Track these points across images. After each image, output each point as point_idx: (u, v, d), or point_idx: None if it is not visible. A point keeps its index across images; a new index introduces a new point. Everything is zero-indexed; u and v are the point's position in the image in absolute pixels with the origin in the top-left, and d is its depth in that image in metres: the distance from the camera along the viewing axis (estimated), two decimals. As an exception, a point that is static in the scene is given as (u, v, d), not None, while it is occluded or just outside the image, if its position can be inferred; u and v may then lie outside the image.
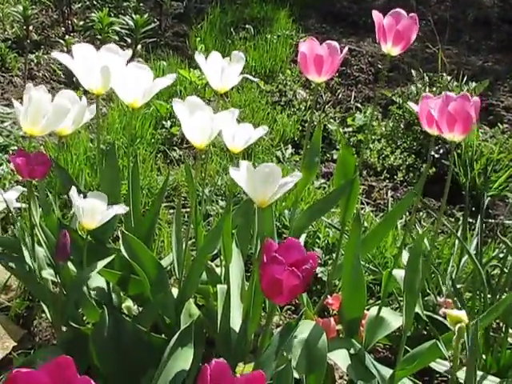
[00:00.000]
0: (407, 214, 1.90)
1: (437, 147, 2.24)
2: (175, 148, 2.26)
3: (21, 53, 2.79)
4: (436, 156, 2.23)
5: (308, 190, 1.96)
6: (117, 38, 2.89)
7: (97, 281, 1.29)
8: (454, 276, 1.50)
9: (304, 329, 1.12)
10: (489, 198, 2.06)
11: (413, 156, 2.29)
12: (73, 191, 1.09)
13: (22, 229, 1.26)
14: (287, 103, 2.65)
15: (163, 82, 1.17)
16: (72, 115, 1.20)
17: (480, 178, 2.13)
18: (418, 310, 1.20)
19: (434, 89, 2.54)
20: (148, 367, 1.10)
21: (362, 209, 1.99)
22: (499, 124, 2.48)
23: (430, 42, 3.11)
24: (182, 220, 1.31)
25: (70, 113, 1.18)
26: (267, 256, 0.84)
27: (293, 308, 1.55)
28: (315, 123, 2.34)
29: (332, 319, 1.29)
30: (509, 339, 1.31)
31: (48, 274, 1.23)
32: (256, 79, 1.28)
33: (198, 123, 1.07)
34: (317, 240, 1.75)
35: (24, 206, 1.37)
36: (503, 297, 1.35)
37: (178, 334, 1.05)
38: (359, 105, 2.72)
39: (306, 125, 2.42)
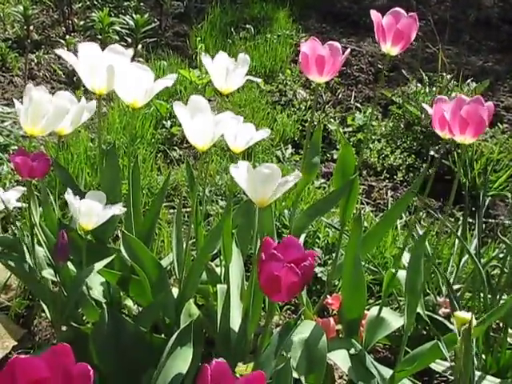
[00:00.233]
0: (407, 213, 1.90)
1: (437, 147, 2.24)
2: (175, 148, 2.26)
3: (21, 53, 2.79)
4: (435, 156, 2.23)
5: (308, 190, 1.96)
6: (117, 37, 2.89)
7: (97, 280, 1.29)
8: (453, 276, 1.50)
9: (304, 329, 1.12)
10: (489, 198, 2.06)
11: (413, 156, 2.29)
12: (68, 194, 1.09)
13: (22, 228, 1.26)
14: (287, 103, 2.65)
15: (164, 82, 1.17)
16: (70, 116, 1.21)
17: (480, 177, 2.13)
18: (419, 310, 1.20)
19: (434, 89, 2.54)
20: (148, 367, 1.10)
21: (362, 209, 1.99)
22: (499, 124, 2.48)
23: (430, 42, 3.11)
24: (182, 220, 1.31)
25: (69, 113, 1.18)
26: (266, 253, 0.84)
27: (292, 308, 1.55)
28: (315, 123, 2.34)
29: (332, 319, 1.29)
30: (509, 339, 1.31)
31: (48, 273, 1.24)
32: (259, 80, 1.28)
33: (199, 126, 1.06)
34: (316, 240, 1.75)
35: (24, 205, 1.37)
36: (503, 297, 1.35)
37: (177, 333, 1.05)
38: (359, 105, 2.72)
39: (306, 124, 2.42)
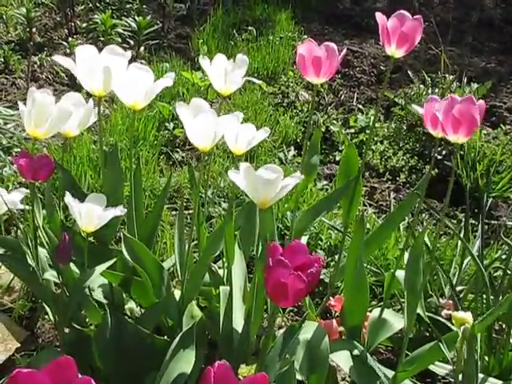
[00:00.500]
0: (410, 215, 1.90)
1: (439, 148, 2.24)
2: (178, 150, 2.26)
3: (24, 55, 2.79)
4: (439, 157, 2.23)
5: (310, 192, 1.96)
6: (120, 39, 2.90)
7: (99, 282, 1.29)
8: (456, 278, 1.50)
9: (306, 330, 1.13)
10: (491, 200, 2.05)
11: (415, 157, 2.29)
12: (68, 197, 1.10)
13: (25, 230, 1.26)
14: (290, 105, 2.65)
15: (163, 82, 1.17)
16: (78, 117, 1.21)
17: (483, 179, 2.13)
18: (420, 311, 1.20)
19: (437, 90, 2.54)
20: (150, 369, 1.10)
21: (365, 210, 1.99)
22: (502, 125, 2.48)
23: (432, 44, 3.11)
24: (184, 222, 1.31)
25: (76, 115, 1.18)
26: (273, 259, 0.84)
27: (295, 310, 1.55)
28: (316, 124, 2.34)
29: (334, 321, 1.29)
30: (511, 341, 1.31)
31: (50, 275, 1.24)
32: (259, 81, 1.28)
33: (201, 126, 1.07)
34: (319, 242, 1.75)
35: (27, 207, 1.37)
36: (505, 298, 1.35)
37: (180, 335, 1.05)
38: (361, 106, 2.72)
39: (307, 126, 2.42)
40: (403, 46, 1.22)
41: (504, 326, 1.35)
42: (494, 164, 2.16)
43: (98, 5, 3.26)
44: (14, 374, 0.56)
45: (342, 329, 1.31)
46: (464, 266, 1.52)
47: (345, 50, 1.27)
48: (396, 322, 1.28)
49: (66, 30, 3.14)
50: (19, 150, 1.99)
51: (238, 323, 1.18)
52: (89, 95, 1.21)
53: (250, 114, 2.47)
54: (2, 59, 2.70)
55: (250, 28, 3.28)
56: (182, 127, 1.64)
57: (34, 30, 2.96)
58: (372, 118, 2.50)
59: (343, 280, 1.48)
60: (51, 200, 1.28)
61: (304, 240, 1.54)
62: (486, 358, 1.31)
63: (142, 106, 1.18)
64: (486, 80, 2.70)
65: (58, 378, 0.57)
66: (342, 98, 2.80)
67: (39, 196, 1.27)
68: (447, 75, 2.60)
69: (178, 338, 1.05)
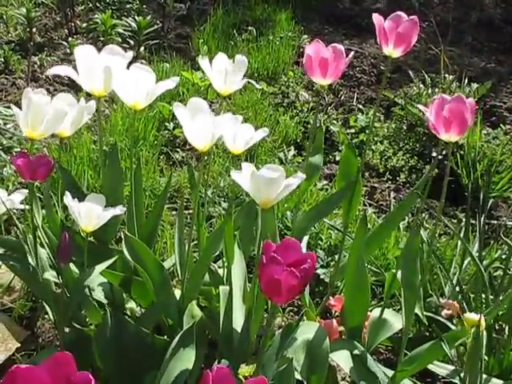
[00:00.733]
0: (410, 215, 1.90)
1: (439, 148, 2.24)
2: (178, 150, 2.26)
3: (24, 55, 2.79)
4: (439, 157, 2.23)
5: (310, 192, 1.96)
6: (120, 39, 2.90)
7: (99, 282, 1.29)
8: (456, 277, 1.50)
9: (306, 330, 1.13)
10: (491, 200, 2.05)
11: (415, 157, 2.29)
12: (67, 197, 1.10)
13: (25, 230, 1.27)
14: (290, 105, 2.65)
15: (166, 84, 1.17)
16: (70, 117, 1.21)
17: (483, 179, 2.13)
18: (418, 311, 1.20)
19: (437, 90, 2.54)
20: (150, 368, 1.11)
21: (364, 210, 1.99)
22: (502, 125, 2.48)
23: (432, 44, 3.11)
24: (184, 221, 1.31)
25: (68, 115, 1.18)
26: (266, 256, 0.85)
27: (295, 309, 1.55)
28: (318, 124, 2.34)
29: (334, 320, 1.29)
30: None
31: (50, 275, 1.24)
32: (259, 85, 1.28)
33: (199, 127, 1.07)
34: (319, 241, 1.75)
35: (27, 207, 1.37)
36: (505, 297, 1.35)
37: (180, 335, 1.05)
38: (361, 106, 2.72)
39: (309, 126, 2.42)
40: (400, 46, 1.23)
41: (504, 325, 1.35)
42: (494, 164, 2.16)
43: (98, 5, 3.26)
44: (13, 370, 0.56)
45: (342, 328, 1.31)
46: (464, 265, 1.52)
47: (352, 53, 1.28)
48: (396, 321, 1.29)
49: (66, 30, 3.14)
50: (19, 149, 1.99)
51: (238, 323, 1.18)
52: (89, 95, 1.21)
53: (250, 114, 2.47)
54: (2, 59, 2.70)
55: (250, 28, 3.28)
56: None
57: (34, 30, 2.96)
58: (371, 117, 2.50)
59: (343, 280, 1.48)
60: (49, 200, 1.28)
61: (304, 240, 1.54)
62: (486, 358, 1.31)
63: (142, 107, 1.18)
64: (485, 80, 2.70)
65: (56, 374, 0.57)
66: (342, 98, 2.80)
67: (39, 196, 1.27)
68: (447, 75, 2.60)
69: (178, 338, 1.05)
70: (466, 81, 2.64)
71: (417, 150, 2.34)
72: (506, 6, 3.88)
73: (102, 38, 2.89)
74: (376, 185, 2.21)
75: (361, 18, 3.67)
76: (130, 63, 1.17)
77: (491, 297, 1.35)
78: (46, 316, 1.41)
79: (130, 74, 1.15)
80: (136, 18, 3.01)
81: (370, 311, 1.32)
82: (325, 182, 2.12)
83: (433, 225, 1.92)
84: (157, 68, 2.72)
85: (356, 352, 1.22)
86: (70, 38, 2.95)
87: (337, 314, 1.39)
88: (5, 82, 2.60)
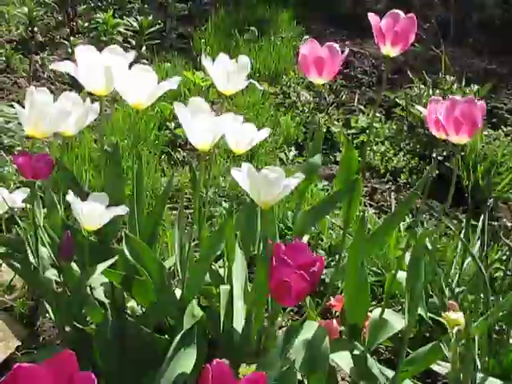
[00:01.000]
0: (410, 216, 1.90)
1: (440, 149, 2.24)
2: (179, 149, 2.26)
3: (26, 54, 2.80)
4: (439, 158, 2.23)
5: (311, 192, 1.97)
6: (121, 39, 2.90)
7: (100, 281, 1.29)
8: (456, 278, 1.50)
9: (306, 330, 1.13)
10: (492, 201, 2.05)
11: (416, 158, 2.30)
12: (70, 196, 1.10)
13: (26, 229, 1.27)
14: (291, 105, 2.66)
15: (167, 84, 1.17)
16: (75, 117, 1.21)
17: (483, 180, 2.13)
18: (422, 312, 1.20)
19: (438, 91, 2.54)
20: (151, 367, 1.11)
21: (365, 211, 1.99)
22: (503, 126, 2.48)
23: (433, 44, 3.11)
24: (185, 221, 1.31)
25: (72, 114, 1.18)
26: (276, 258, 0.85)
27: (295, 309, 1.55)
28: (318, 125, 2.34)
29: (335, 321, 1.30)
30: (511, 341, 1.31)
31: (51, 274, 1.24)
32: (262, 87, 1.28)
33: (200, 127, 1.07)
34: (320, 242, 1.75)
35: (29, 206, 1.37)
36: (506, 299, 1.35)
37: (180, 334, 1.05)
38: (362, 107, 2.72)
39: (310, 126, 2.42)
40: (398, 44, 1.22)
41: (504, 326, 1.35)
42: (494, 165, 2.16)
43: (99, 4, 3.27)
44: (15, 369, 0.56)
45: (342, 328, 1.31)
46: (464, 266, 1.52)
47: (347, 51, 1.28)
48: (396, 322, 1.29)
49: (67, 30, 3.14)
50: (20, 148, 1.99)
51: (239, 322, 1.18)
52: (91, 94, 1.21)
53: (252, 115, 2.47)
54: (4, 58, 2.71)
55: (251, 28, 3.28)
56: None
57: (35, 29, 2.96)
58: (372, 118, 2.50)
59: (344, 280, 1.48)
60: (51, 199, 1.28)
61: (304, 240, 1.54)
62: (486, 359, 1.31)
63: (144, 106, 1.18)
64: (486, 81, 2.70)
65: (58, 373, 0.57)
66: (343, 98, 2.80)
67: (40, 195, 1.27)
68: (448, 76, 2.61)
69: (178, 337, 1.05)
70: (466, 82, 2.64)
71: (417, 150, 2.34)
72: (507, 6, 3.88)
73: (103, 38, 2.89)
74: (377, 185, 2.21)
75: (362, 18, 3.67)
76: (132, 63, 1.17)
77: (492, 298, 1.35)
78: (47, 315, 1.41)
79: (132, 74, 1.15)
80: (138, 17, 3.02)
81: (371, 311, 1.32)
82: (325, 183, 2.12)
83: (434, 226, 1.92)
84: (159, 68, 2.72)
85: (356, 352, 1.22)
86: (71, 38, 2.95)
87: (337, 314, 1.39)
88: (6, 81, 2.61)
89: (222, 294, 1.20)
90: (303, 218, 1.42)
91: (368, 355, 1.21)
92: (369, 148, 2.26)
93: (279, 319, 1.50)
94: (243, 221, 1.33)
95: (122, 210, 1.13)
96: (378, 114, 2.57)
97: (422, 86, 2.62)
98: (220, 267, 1.35)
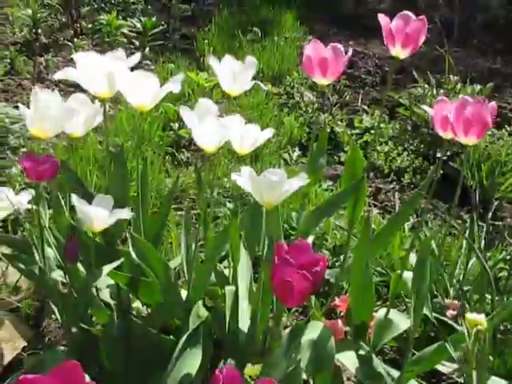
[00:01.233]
0: (414, 216, 1.90)
1: (444, 149, 2.24)
2: (183, 150, 2.27)
3: (30, 56, 2.81)
4: (443, 158, 2.23)
5: (315, 193, 1.97)
6: (125, 40, 2.91)
7: (106, 282, 1.30)
8: (461, 278, 1.50)
9: (312, 330, 1.13)
10: (496, 200, 2.05)
11: (420, 158, 2.30)
12: (74, 198, 1.10)
13: (32, 230, 1.27)
14: (294, 105, 2.66)
15: (170, 87, 1.18)
16: (83, 118, 1.21)
17: (487, 180, 2.13)
18: (427, 312, 1.20)
19: (442, 91, 2.54)
20: (157, 368, 1.11)
21: (369, 211, 2.00)
22: (506, 126, 2.48)
23: (437, 44, 3.11)
24: (190, 222, 1.31)
25: (81, 115, 1.19)
26: (278, 258, 0.85)
27: (300, 309, 1.56)
28: (322, 125, 2.34)
29: (340, 321, 1.30)
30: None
31: (57, 275, 1.25)
32: (266, 87, 1.29)
33: (208, 129, 1.07)
34: (324, 242, 1.76)
35: (35, 207, 1.38)
36: (511, 299, 1.35)
37: (186, 335, 1.06)
38: (366, 107, 2.72)
39: (314, 127, 2.43)
40: (408, 46, 1.22)
41: (509, 326, 1.35)
42: (498, 165, 2.16)
43: (103, 6, 3.28)
44: (21, 380, 0.56)
45: (347, 329, 1.31)
46: (469, 266, 1.52)
47: (350, 51, 1.28)
48: (401, 322, 1.29)
49: (71, 31, 3.15)
50: (25, 149, 2.00)
51: (244, 323, 1.18)
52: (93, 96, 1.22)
53: (255, 115, 2.48)
54: (9, 60, 2.71)
55: (255, 29, 3.29)
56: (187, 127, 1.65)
57: (39, 31, 2.97)
58: (377, 118, 2.50)
59: (348, 280, 1.48)
60: (57, 200, 1.28)
61: (309, 240, 1.54)
62: (491, 359, 1.31)
63: (148, 109, 1.18)
64: (490, 81, 2.70)
65: (64, 383, 0.57)
66: (347, 98, 2.80)
67: (46, 196, 1.28)
68: (452, 76, 2.60)
69: (184, 338, 1.05)
70: (471, 81, 2.64)
71: (421, 150, 2.34)
72: None
73: (107, 39, 2.89)
74: (381, 185, 2.21)
75: (365, 18, 3.68)
76: (136, 64, 1.18)
77: (496, 298, 1.36)
78: (53, 316, 1.42)
79: (133, 79, 1.15)
80: (141, 18, 3.02)
81: (375, 311, 1.32)
82: (330, 183, 2.12)
83: (438, 225, 1.92)
84: (162, 69, 2.73)
85: (361, 352, 1.23)
86: (75, 39, 2.96)
87: (342, 314, 1.39)
88: (11, 83, 2.62)
89: (227, 295, 1.21)
90: (308, 218, 1.42)
91: (373, 355, 1.21)
92: (373, 148, 2.27)
93: (284, 319, 1.50)
94: (248, 221, 1.33)
95: (126, 214, 1.13)
96: (382, 114, 2.58)
97: (426, 86, 2.62)
98: (225, 268, 1.35)
